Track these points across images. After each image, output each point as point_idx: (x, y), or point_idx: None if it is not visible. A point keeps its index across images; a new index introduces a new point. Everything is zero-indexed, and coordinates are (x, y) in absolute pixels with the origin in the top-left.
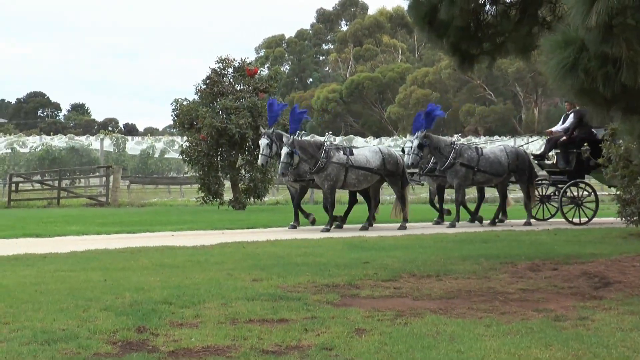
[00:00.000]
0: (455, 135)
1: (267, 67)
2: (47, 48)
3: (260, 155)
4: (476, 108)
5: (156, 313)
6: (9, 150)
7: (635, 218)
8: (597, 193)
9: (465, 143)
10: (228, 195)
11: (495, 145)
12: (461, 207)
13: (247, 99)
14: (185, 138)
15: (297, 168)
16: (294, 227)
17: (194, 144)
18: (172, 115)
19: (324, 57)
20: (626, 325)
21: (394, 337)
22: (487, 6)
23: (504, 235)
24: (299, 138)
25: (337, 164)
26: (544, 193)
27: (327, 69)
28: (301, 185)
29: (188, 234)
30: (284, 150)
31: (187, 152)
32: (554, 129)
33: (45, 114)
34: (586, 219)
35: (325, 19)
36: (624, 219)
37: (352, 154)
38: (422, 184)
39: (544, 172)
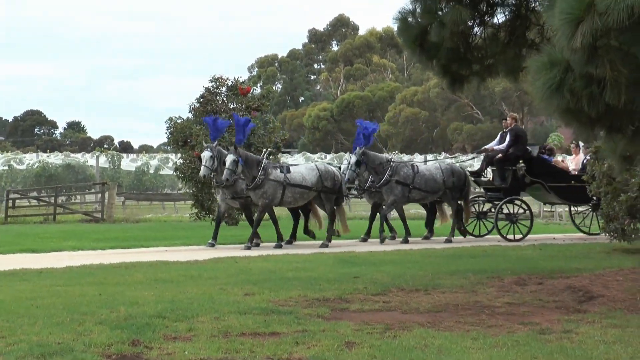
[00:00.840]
0: (392, 152)
1: (260, 86)
2: (44, 67)
3: (202, 167)
4: (464, 126)
5: (150, 327)
6: (6, 167)
7: (617, 234)
8: (532, 210)
9: (402, 161)
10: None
11: (431, 163)
12: (384, 221)
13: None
14: (179, 155)
15: (234, 185)
16: (212, 245)
17: (187, 161)
18: (166, 133)
19: (315, 77)
20: (609, 338)
21: (383, 350)
22: (476, 28)
23: (491, 250)
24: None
25: (274, 181)
26: (480, 209)
27: (318, 87)
28: (240, 203)
29: (182, 249)
30: (230, 157)
31: (181, 169)
32: (489, 145)
33: (41, 131)
34: (520, 236)
35: (317, 39)
36: (607, 234)
37: (289, 171)
38: (361, 197)
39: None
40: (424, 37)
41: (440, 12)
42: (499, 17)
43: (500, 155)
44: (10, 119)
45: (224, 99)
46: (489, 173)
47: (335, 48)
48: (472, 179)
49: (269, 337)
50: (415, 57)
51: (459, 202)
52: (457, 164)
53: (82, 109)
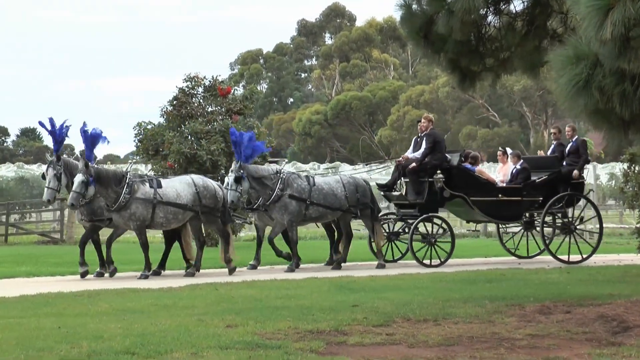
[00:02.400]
0: (280, 161)
1: (242, 85)
2: None
3: (45, 189)
4: (478, 130)
5: None
6: None
7: None
8: (453, 229)
9: (294, 172)
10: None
11: (330, 176)
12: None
13: (220, 121)
14: (150, 166)
15: (90, 203)
16: (87, 273)
17: (159, 173)
18: (134, 141)
19: (306, 74)
20: None
21: None
22: (490, 17)
23: (510, 274)
24: (97, 166)
25: (142, 199)
26: (391, 230)
27: (309, 87)
28: (92, 226)
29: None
30: (78, 177)
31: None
32: (407, 154)
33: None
34: (443, 259)
35: (308, 31)
36: None
37: (160, 186)
38: (250, 223)
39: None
40: (429, 28)
41: None
42: (516, 4)
43: (414, 164)
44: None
45: (201, 100)
46: (402, 186)
47: (329, 42)
48: (382, 193)
49: None
50: (420, 51)
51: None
52: (360, 177)
53: (37, 113)
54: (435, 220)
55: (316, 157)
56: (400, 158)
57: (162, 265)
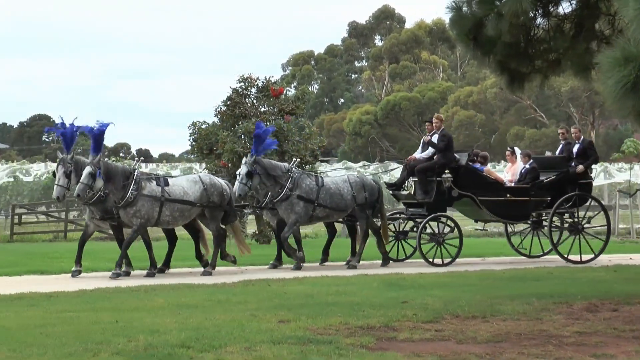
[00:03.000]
0: (293, 160)
1: (294, 86)
2: (53, 67)
3: (55, 187)
4: (526, 131)
5: (173, 358)
6: (11, 179)
7: None
8: (461, 228)
9: (304, 171)
10: (252, 228)
11: (339, 175)
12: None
13: (272, 121)
14: (204, 165)
15: (104, 202)
16: (78, 272)
17: (213, 172)
18: (189, 140)
19: (356, 75)
20: None
21: None
22: (539, 20)
23: (557, 272)
24: (106, 160)
25: (149, 197)
26: (400, 229)
27: (360, 88)
28: (112, 225)
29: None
30: (86, 169)
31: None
32: (416, 154)
33: (50, 139)
34: (449, 259)
35: (358, 33)
36: None
37: (167, 184)
38: (254, 213)
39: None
40: (479, 30)
41: (498, 2)
42: (564, 7)
43: (425, 162)
44: (15, 125)
45: (254, 101)
46: (410, 185)
47: (379, 43)
48: (390, 192)
49: None
50: (469, 52)
51: (376, 220)
52: (370, 176)
53: (95, 113)
54: (443, 219)
55: (366, 157)
56: (408, 158)
57: (166, 263)
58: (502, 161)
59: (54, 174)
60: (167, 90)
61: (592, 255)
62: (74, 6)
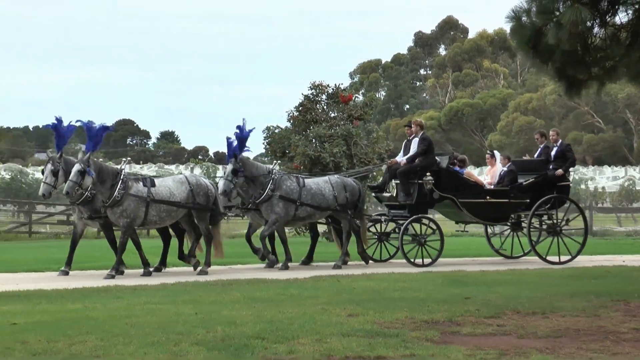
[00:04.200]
0: (274, 162)
1: (362, 93)
2: (136, 74)
3: (42, 184)
4: (584, 136)
5: (249, 348)
6: None
7: None
8: (442, 229)
9: (284, 172)
10: (322, 227)
11: (320, 177)
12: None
13: (341, 126)
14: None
15: (92, 202)
16: (66, 272)
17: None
18: (263, 144)
19: (421, 83)
20: None
21: None
22: (596, 29)
23: (615, 271)
24: (96, 160)
25: (135, 197)
26: (382, 230)
27: (424, 95)
28: (101, 224)
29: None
30: (75, 167)
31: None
32: (397, 158)
33: (134, 142)
34: (432, 259)
35: (424, 42)
36: None
37: (153, 185)
38: (243, 217)
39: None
40: (538, 39)
41: (557, 12)
42: (621, 17)
43: (404, 164)
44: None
45: (324, 107)
46: (392, 187)
47: (443, 52)
48: (373, 194)
49: None
50: (529, 60)
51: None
52: (350, 178)
53: (176, 118)
54: (425, 221)
55: None
56: (390, 161)
57: (162, 262)
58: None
59: (42, 172)
60: (242, 96)
61: (569, 257)
62: (152, 18)
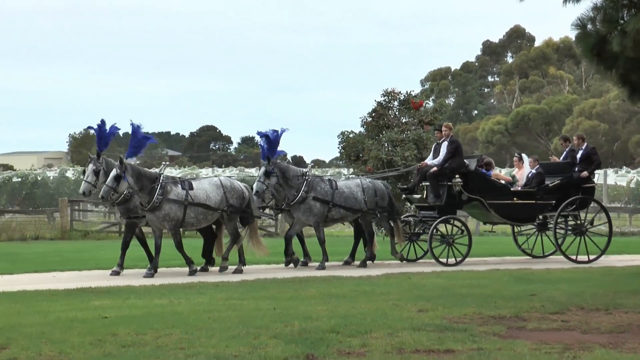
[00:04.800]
0: (308, 165)
1: (432, 99)
2: (218, 84)
3: (83, 183)
4: None
5: (324, 341)
6: None
7: None
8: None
9: (317, 175)
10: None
11: (351, 180)
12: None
13: (412, 131)
14: (351, 169)
15: (127, 202)
16: (117, 272)
17: (359, 175)
18: (338, 148)
19: (489, 89)
20: None
21: None
22: None
23: None
24: (134, 164)
25: (174, 200)
26: (413, 231)
27: (492, 100)
28: (129, 223)
29: (354, 264)
30: (113, 172)
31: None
32: (427, 161)
33: (217, 147)
34: (460, 258)
35: (491, 51)
36: None
37: (191, 188)
38: (275, 219)
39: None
40: (602, 46)
41: (621, 21)
42: None
43: (434, 169)
44: (186, 135)
45: (396, 112)
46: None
47: (510, 60)
48: (404, 196)
49: (444, 355)
50: (593, 67)
51: (390, 222)
52: (380, 182)
53: (255, 124)
54: (453, 221)
55: (497, 163)
56: (421, 164)
57: (208, 261)
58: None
59: (83, 172)
60: (317, 103)
61: (595, 256)
62: (233, 28)
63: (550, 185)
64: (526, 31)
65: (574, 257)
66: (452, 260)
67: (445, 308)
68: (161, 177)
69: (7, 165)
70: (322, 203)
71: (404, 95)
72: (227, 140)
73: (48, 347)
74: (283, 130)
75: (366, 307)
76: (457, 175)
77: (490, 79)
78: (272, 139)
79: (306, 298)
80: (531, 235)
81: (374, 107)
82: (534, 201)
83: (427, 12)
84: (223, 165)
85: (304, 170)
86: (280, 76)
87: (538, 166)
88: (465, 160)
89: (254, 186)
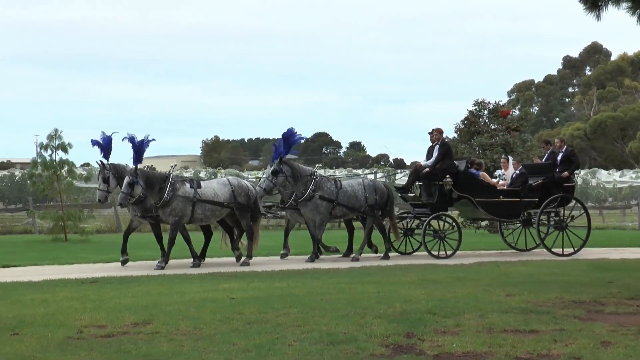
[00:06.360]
0: (315, 165)
1: (518, 108)
2: (330, 95)
3: (97, 191)
4: None
5: (422, 322)
6: None
7: None
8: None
9: (324, 175)
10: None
11: (354, 179)
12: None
13: (500, 136)
14: None
15: (143, 202)
16: (125, 261)
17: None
18: None
19: (569, 99)
20: None
21: (639, 351)
22: None
23: None
24: (144, 168)
25: (183, 197)
26: (408, 226)
27: (572, 109)
28: (150, 223)
29: (448, 253)
30: (126, 180)
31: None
32: (422, 162)
33: (328, 151)
34: (451, 252)
35: (571, 65)
36: None
37: (199, 186)
38: (280, 216)
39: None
40: None
41: None
42: None
43: (427, 169)
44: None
45: (486, 120)
46: (416, 188)
47: (588, 73)
48: (399, 194)
49: (529, 335)
50: None
51: (385, 220)
52: (380, 181)
53: (362, 130)
54: (444, 217)
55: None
56: (415, 165)
57: (202, 254)
58: None
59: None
60: (417, 112)
61: (573, 250)
62: (343, 48)
63: (534, 184)
64: (603, 47)
65: (559, 251)
66: (443, 254)
67: (531, 293)
68: (170, 177)
69: (151, 166)
70: (327, 202)
71: (493, 105)
72: (337, 145)
73: (184, 323)
74: (301, 137)
75: (459, 291)
76: (447, 176)
77: (570, 90)
78: (291, 142)
79: (406, 283)
80: (515, 229)
81: (466, 116)
82: (518, 199)
83: (512, 31)
84: (333, 167)
85: (312, 169)
86: (384, 89)
87: (521, 167)
88: (455, 162)
89: (262, 183)
